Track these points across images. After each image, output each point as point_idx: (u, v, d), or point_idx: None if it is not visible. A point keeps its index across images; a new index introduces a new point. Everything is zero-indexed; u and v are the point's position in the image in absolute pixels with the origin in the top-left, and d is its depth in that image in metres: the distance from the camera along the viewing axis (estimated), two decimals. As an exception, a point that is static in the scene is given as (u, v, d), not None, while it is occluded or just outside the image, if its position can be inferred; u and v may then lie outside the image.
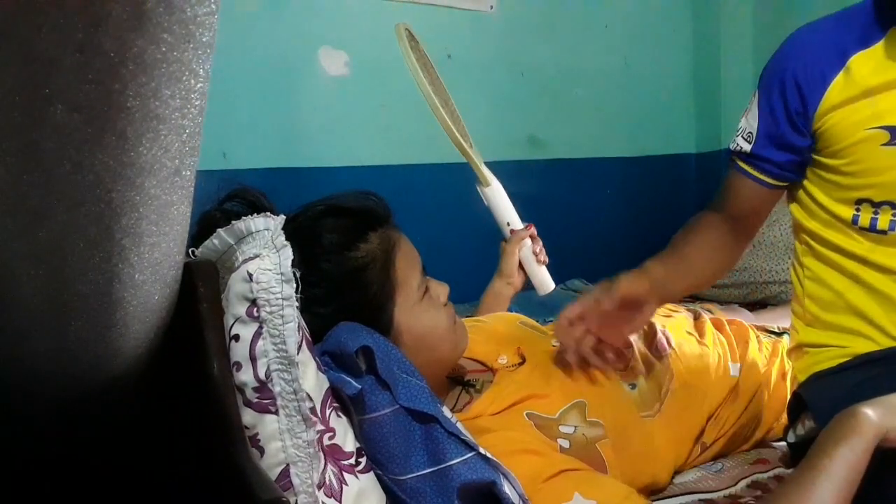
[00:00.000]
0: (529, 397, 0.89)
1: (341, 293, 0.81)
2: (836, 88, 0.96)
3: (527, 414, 0.87)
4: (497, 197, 1.23)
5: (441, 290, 0.91)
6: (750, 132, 1.04)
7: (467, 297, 1.27)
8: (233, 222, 0.67)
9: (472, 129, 2.27)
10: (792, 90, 0.99)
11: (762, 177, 1.05)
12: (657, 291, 0.99)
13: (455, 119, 1.19)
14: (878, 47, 0.95)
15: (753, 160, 1.04)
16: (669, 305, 1.31)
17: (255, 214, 0.68)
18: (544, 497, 0.77)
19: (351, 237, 0.83)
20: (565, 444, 0.86)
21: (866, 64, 0.94)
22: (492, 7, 2.26)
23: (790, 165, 1.04)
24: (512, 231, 1.22)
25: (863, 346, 1.01)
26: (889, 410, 0.81)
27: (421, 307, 0.86)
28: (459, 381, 0.96)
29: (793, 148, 1.01)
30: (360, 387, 0.72)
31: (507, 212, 1.23)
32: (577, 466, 0.82)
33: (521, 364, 0.97)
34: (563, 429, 0.86)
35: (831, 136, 0.97)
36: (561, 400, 0.89)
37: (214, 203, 0.78)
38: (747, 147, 1.04)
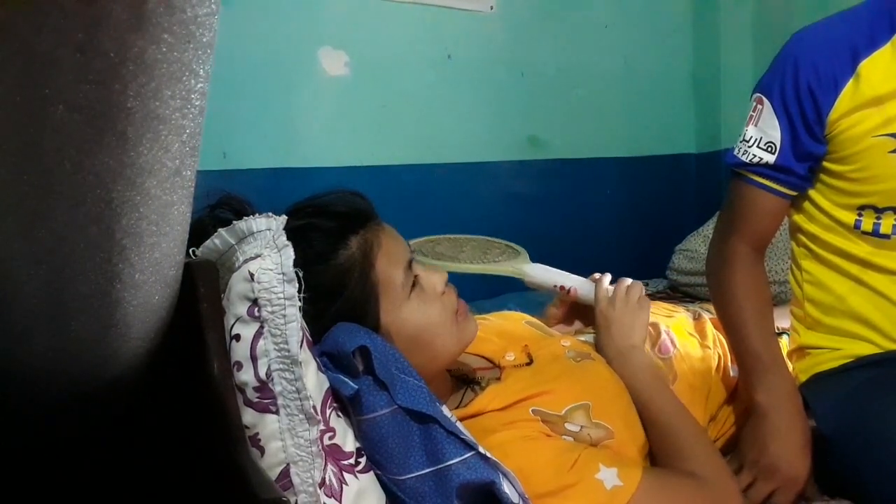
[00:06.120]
0: (536, 395, 0.88)
1: (323, 303, 0.79)
2: (847, 95, 0.95)
3: (532, 410, 0.87)
4: (538, 274, 1.16)
5: (436, 277, 0.88)
6: (770, 142, 1.00)
7: (466, 297, 1.27)
8: (234, 222, 0.67)
9: (472, 130, 2.29)
10: (807, 98, 0.96)
11: (785, 189, 1.02)
12: None
13: (481, 252, 1.18)
14: (886, 49, 0.94)
15: (776, 172, 1.01)
16: (669, 305, 1.31)
17: (256, 215, 0.68)
18: (576, 476, 0.78)
19: (331, 246, 0.81)
20: (570, 440, 0.86)
21: (876, 71, 0.93)
22: (492, 7, 2.27)
23: (809, 175, 1.02)
24: (560, 288, 1.15)
25: (864, 350, 1.01)
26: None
27: (409, 306, 0.84)
28: (466, 380, 0.95)
29: (812, 157, 0.99)
30: (356, 387, 0.72)
31: (551, 279, 1.16)
32: (586, 447, 0.84)
33: (529, 364, 0.96)
34: (568, 426, 0.86)
35: (840, 142, 0.96)
36: (567, 398, 0.89)
37: (206, 210, 0.77)
38: (770, 158, 1.00)
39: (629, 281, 1.07)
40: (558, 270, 1.17)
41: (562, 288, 1.15)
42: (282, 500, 0.56)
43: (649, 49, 2.56)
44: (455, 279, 0.92)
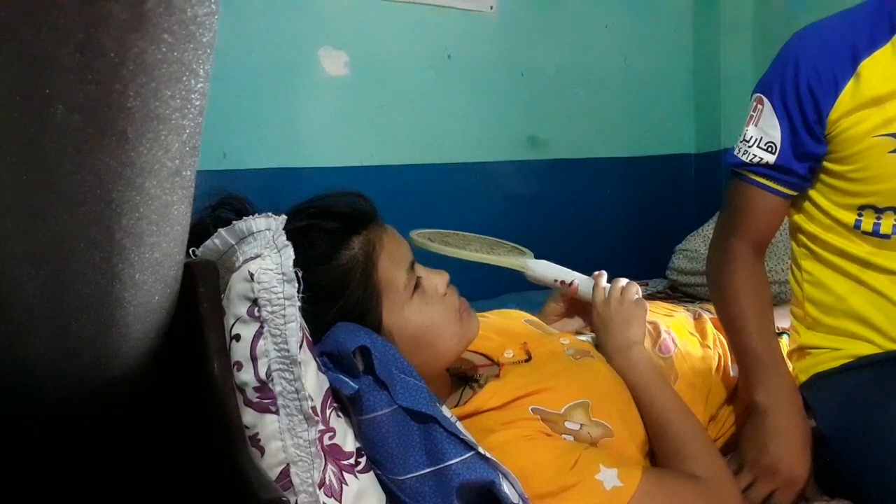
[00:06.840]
0: (535, 392, 0.88)
1: (325, 303, 0.79)
2: (847, 95, 0.94)
3: (532, 409, 0.87)
4: (540, 269, 1.18)
5: (438, 279, 0.88)
6: (770, 142, 1.00)
7: (467, 296, 1.27)
8: (234, 222, 0.68)
9: (472, 130, 2.29)
10: (807, 98, 0.96)
11: (785, 190, 1.02)
12: None
13: (487, 247, 1.20)
14: (886, 50, 0.94)
15: (776, 173, 1.01)
16: (669, 305, 1.31)
17: (256, 215, 0.68)
18: (577, 477, 0.78)
19: (334, 246, 0.81)
20: (570, 440, 0.86)
21: (876, 71, 0.93)
22: (492, 7, 2.27)
23: (810, 175, 1.02)
24: (561, 283, 1.16)
25: (864, 350, 1.01)
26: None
27: (412, 307, 0.84)
28: (464, 379, 0.95)
29: (812, 157, 0.99)
30: (357, 387, 0.72)
31: (552, 274, 1.18)
32: (587, 447, 0.84)
33: (527, 360, 0.97)
34: (568, 425, 0.86)
35: (840, 142, 0.96)
36: (566, 396, 0.89)
37: (207, 210, 0.77)
38: (770, 158, 1.00)
39: (624, 281, 1.07)
40: (560, 267, 1.18)
41: (563, 282, 1.16)
42: (282, 501, 0.56)
43: (649, 49, 2.56)
44: (455, 279, 0.92)
